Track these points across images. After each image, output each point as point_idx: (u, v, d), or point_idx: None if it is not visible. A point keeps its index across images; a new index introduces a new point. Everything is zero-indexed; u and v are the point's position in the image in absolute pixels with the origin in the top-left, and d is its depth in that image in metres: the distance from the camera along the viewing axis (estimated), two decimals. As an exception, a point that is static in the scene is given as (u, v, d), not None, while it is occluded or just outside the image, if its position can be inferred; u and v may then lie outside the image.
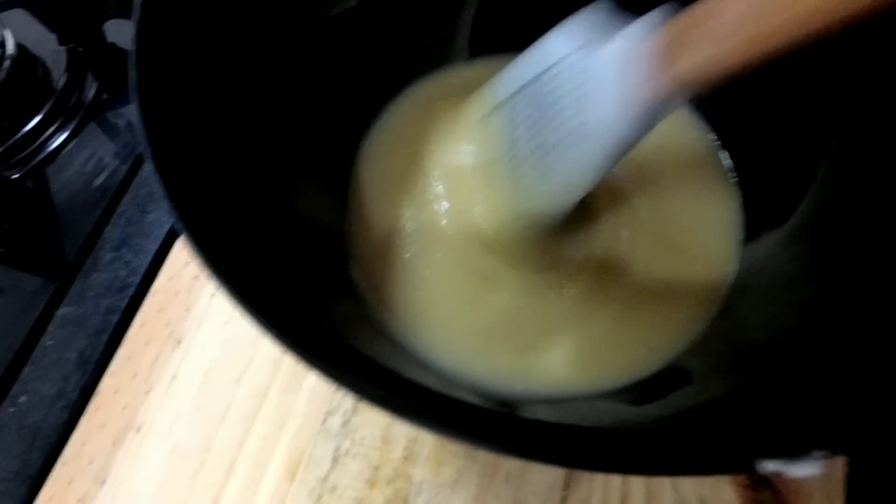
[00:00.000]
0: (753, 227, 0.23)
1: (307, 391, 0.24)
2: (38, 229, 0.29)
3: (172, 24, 0.16)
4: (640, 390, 0.20)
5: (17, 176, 0.31)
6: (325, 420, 0.24)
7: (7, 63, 0.31)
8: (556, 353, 0.21)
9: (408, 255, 0.23)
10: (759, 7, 0.12)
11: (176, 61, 0.16)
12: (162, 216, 0.28)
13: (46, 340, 0.26)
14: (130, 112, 0.31)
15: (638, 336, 0.22)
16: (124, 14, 0.33)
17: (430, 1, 0.24)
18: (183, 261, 0.27)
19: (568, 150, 0.18)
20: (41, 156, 0.31)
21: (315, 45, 0.22)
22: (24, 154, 0.31)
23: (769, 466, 0.09)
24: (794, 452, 0.09)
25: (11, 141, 0.31)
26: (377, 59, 0.25)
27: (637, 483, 0.23)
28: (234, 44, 0.18)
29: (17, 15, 0.33)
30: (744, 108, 0.24)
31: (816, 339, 0.16)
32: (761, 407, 0.14)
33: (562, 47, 0.19)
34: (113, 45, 0.34)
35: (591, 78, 0.17)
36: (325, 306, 0.19)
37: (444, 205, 0.24)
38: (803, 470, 0.09)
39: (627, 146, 0.17)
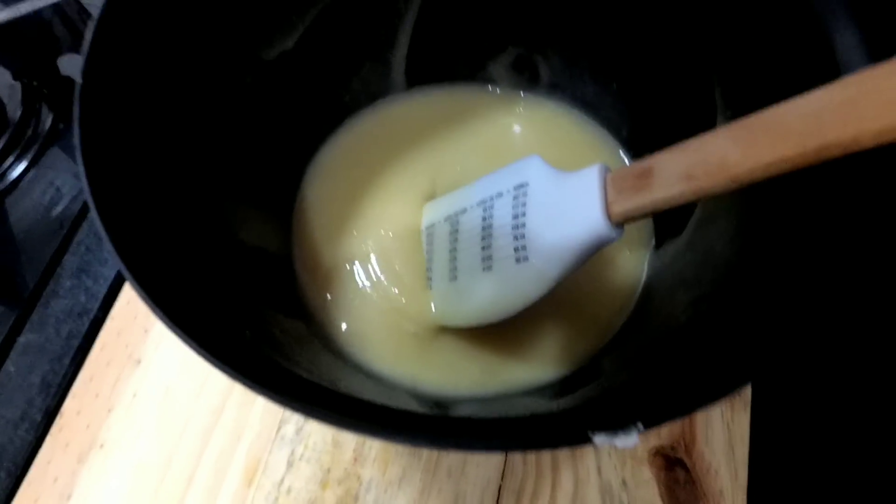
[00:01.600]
0: (660, 236, 0.26)
1: (261, 403, 0.26)
2: (-3, 260, 0.30)
3: (118, 62, 0.18)
4: (558, 386, 0.23)
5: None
6: (279, 428, 0.26)
7: (-39, 100, 0.32)
8: (484, 362, 0.24)
9: (345, 280, 0.26)
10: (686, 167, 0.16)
11: (120, 97, 0.18)
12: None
13: (9, 367, 0.27)
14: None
15: (559, 342, 0.25)
16: (77, 49, 0.35)
17: (363, 39, 0.27)
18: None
19: (508, 268, 0.21)
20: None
21: (254, 84, 0.24)
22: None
23: (598, 439, 0.11)
24: (617, 427, 0.11)
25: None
26: (316, 94, 0.27)
27: (566, 471, 0.26)
28: (177, 82, 0.20)
29: (-30, 52, 0.34)
30: (654, 131, 0.27)
31: (690, 335, 0.19)
32: (624, 393, 0.17)
33: (498, 185, 0.23)
34: (67, 77, 0.35)
35: (550, 202, 0.21)
36: (273, 328, 0.21)
37: (374, 259, 0.26)
38: (624, 441, 0.11)
39: (582, 257, 0.20)
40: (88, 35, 0.16)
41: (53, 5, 0.32)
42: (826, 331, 0.14)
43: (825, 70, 0.17)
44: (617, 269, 0.27)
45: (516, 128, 0.30)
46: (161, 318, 0.14)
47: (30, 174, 0.33)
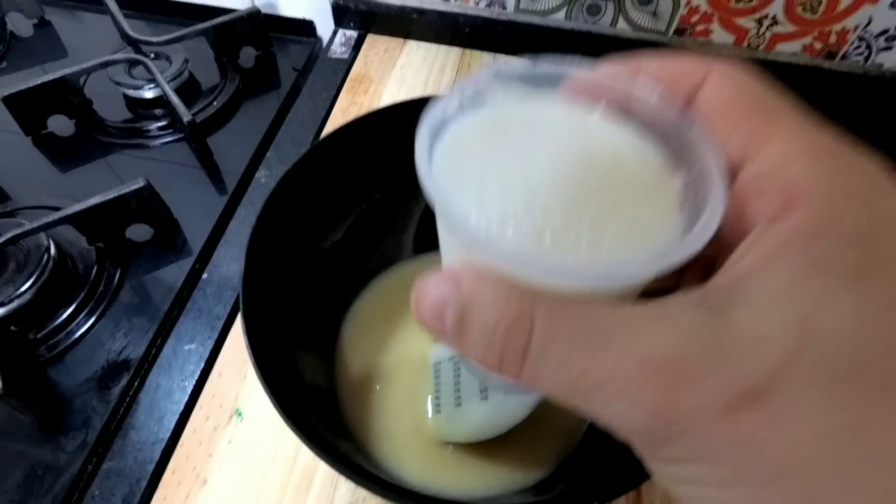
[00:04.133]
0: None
1: (308, 511, 0.33)
2: (73, 403, 0.36)
3: (257, 261, 0.27)
4: (540, 486, 0.31)
5: (48, 356, 0.38)
6: (322, 532, 0.32)
7: (50, 264, 0.40)
8: (486, 470, 0.32)
9: (374, 407, 0.34)
10: None
11: (259, 281, 0.27)
12: (182, 382, 0.37)
13: (94, 490, 0.33)
14: (147, 295, 0.41)
15: (539, 450, 0.33)
16: (142, 220, 0.43)
17: (386, 228, 0.37)
18: (203, 416, 0.35)
19: (500, 398, 0.29)
20: (71, 339, 0.39)
21: (315, 263, 0.33)
22: (57, 339, 0.39)
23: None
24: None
25: (48, 329, 0.39)
26: (352, 264, 0.36)
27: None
28: (282, 267, 0.30)
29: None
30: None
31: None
32: (585, 481, 0.25)
33: None
34: (130, 240, 0.44)
35: None
36: (334, 445, 0.28)
37: (395, 386, 0.34)
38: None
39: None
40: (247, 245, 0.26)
41: (134, 190, 0.41)
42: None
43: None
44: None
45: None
46: (294, 432, 0.22)
47: (98, 324, 0.40)
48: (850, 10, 0.46)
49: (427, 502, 0.23)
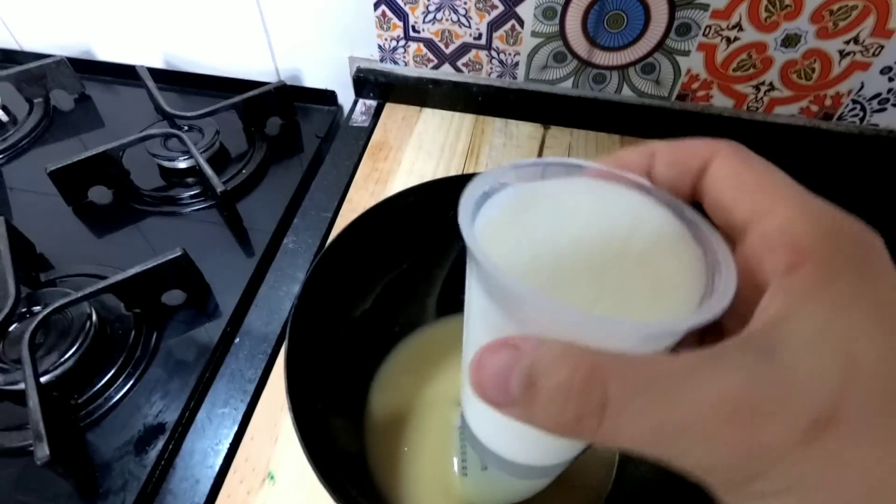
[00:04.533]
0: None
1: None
2: (111, 467, 0.38)
3: (299, 336, 0.29)
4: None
5: (87, 422, 0.40)
6: None
7: (92, 332, 0.42)
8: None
9: (403, 468, 0.35)
10: None
11: (301, 354, 0.29)
12: (216, 446, 0.38)
13: (134, 556, 0.34)
14: (181, 359, 0.42)
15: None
16: (178, 286, 0.46)
17: (411, 294, 0.39)
18: (237, 480, 0.36)
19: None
20: (110, 403, 0.41)
21: (346, 332, 0.35)
22: (96, 403, 0.41)
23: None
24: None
25: (87, 394, 0.41)
26: (379, 330, 0.38)
27: None
28: (317, 337, 0.32)
29: (97, 291, 0.45)
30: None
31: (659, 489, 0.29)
32: None
33: None
34: (164, 305, 0.46)
35: None
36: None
37: (423, 448, 0.36)
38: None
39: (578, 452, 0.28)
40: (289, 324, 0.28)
41: (171, 259, 0.44)
42: None
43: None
44: (598, 452, 0.37)
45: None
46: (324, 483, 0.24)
47: (136, 389, 0.42)
48: (842, 77, 0.49)
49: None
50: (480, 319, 0.18)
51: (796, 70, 0.50)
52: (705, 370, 0.13)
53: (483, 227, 0.17)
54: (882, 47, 0.46)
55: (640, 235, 0.17)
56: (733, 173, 0.16)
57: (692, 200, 0.18)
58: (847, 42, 0.47)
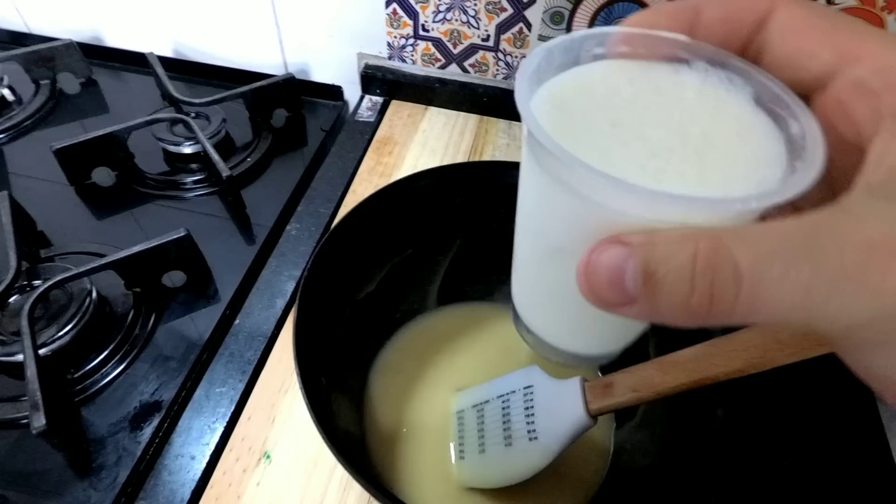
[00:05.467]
0: (619, 418, 0.38)
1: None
2: (105, 443, 0.38)
3: (307, 311, 0.29)
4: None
5: (83, 397, 0.40)
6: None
7: (91, 308, 0.42)
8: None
9: (401, 451, 0.35)
10: (632, 384, 0.27)
11: (308, 337, 0.29)
12: (213, 424, 0.38)
13: (126, 531, 0.33)
14: (179, 340, 0.42)
15: (557, 499, 0.34)
16: (179, 267, 0.46)
17: (414, 280, 0.40)
18: (234, 458, 0.36)
19: (524, 444, 0.31)
20: (106, 380, 0.41)
21: (350, 314, 0.35)
22: (92, 379, 0.41)
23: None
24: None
25: (84, 370, 0.41)
26: (381, 314, 0.39)
27: None
28: (325, 317, 0.32)
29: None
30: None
31: (650, 484, 0.29)
32: None
33: (511, 385, 0.34)
34: (164, 286, 0.46)
35: (549, 400, 0.31)
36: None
37: (421, 432, 0.36)
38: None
39: (574, 437, 0.30)
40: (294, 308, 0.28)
41: (175, 239, 0.44)
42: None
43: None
44: (593, 442, 0.37)
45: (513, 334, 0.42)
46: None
47: (133, 367, 0.42)
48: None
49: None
50: (561, 222, 0.17)
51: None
52: (841, 220, 0.12)
53: (543, 111, 0.16)
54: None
55: (719, 114, 0.16)
56: (803, 21, 0.15)
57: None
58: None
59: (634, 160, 0.15)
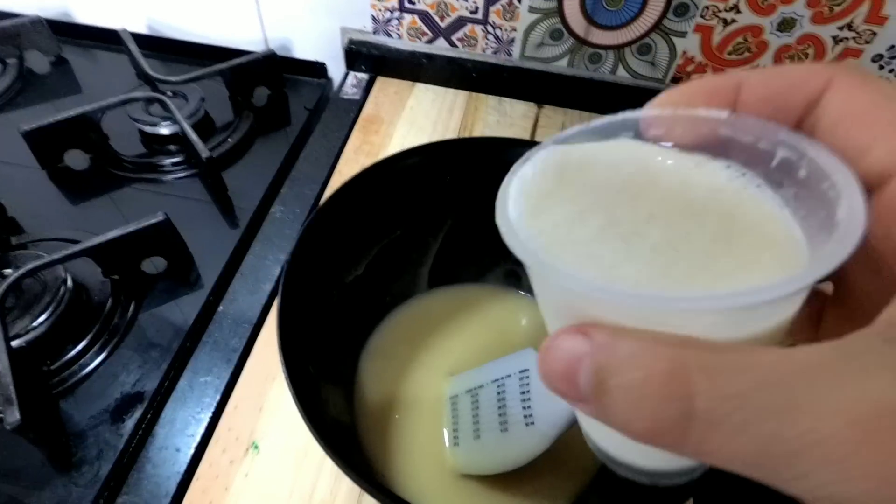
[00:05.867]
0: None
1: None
2: (86, 436, 0.36)
3: (292, 296, 0.27)
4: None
5: (60, 389, 0.38)
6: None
7: (67, 296, 0.40)
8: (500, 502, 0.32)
9: (392, 438, 0.34)
10: None
11: (292, 319, 0.28)
12: (198, 415, 0.37)
13: (109, 527, 0.32)
14: (161, 328, 0.41)
15: (555, 483, 0.33)
16: (159, 253, 0.44)
17: (403, 263, 0.38)
18: (220, 449, 0.35)
19: (520, 429, 0.30)
20: (85, 371, 0.39)
21: (338, 296, 0.34)
22: (70, 371, 0.39)
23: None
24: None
25: (61, 361, 0.39)
26: (370, 298, 0.37)
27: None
28: (311, 299, 0.30)
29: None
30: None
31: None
32: None
33: (506, 369, 0.32)
34: (144, 273, 0.44)
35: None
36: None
37: (414, 418, 0.35)
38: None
39: (572, 423, 0.28)
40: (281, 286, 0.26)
41: (153, 224, 0.42)
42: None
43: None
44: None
45: (507, 316, 0.41)
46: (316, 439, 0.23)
47: (112, 357, 0.40)
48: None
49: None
50: (545, 310, 0.16)
51: (790, 55, 0.50)
52: (836, 371, 0.10)
53: (520, 197, 0.15)
54: (875, 34, 0.47)
55: (717, 206, 0.14)
56: (861, 106, 0.12)
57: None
58: (841, 28, 0.47)
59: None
